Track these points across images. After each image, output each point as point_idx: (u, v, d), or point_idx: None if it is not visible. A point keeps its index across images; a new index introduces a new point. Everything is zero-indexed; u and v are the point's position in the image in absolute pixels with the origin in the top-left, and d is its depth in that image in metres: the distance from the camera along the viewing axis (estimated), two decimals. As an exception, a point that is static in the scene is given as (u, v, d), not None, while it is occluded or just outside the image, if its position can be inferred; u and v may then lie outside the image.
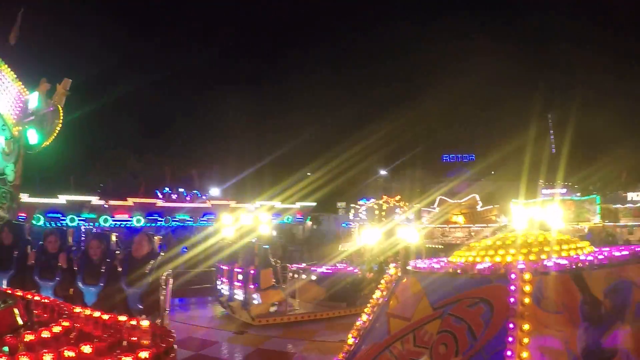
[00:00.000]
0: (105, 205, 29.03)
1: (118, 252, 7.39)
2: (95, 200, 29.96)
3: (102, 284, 6.72)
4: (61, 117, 11.58)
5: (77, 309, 3.81)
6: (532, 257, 3.34)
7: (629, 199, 34.65)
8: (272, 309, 11.71)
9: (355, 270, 13.72)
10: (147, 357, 2.85)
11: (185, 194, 32.78)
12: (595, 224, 32.67)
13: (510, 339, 2.82)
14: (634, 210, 33.81)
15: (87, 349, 2.77)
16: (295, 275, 12.81)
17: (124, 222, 29.73)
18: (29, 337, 2.84)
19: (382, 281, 4.14)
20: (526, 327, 2.82)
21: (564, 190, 37.34)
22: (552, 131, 53.02)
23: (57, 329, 3.05)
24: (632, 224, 33.15)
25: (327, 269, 14.22)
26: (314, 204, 43.86)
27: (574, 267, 3.22)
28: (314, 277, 13.55)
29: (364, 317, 4.05)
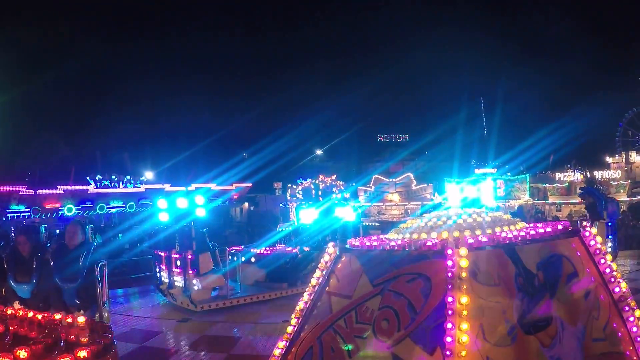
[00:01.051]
0: (34, 195, 27.85)
1: (49, 244, 7.12)
2: (23, 190, 28.70)
3: (34, 281, 6.45)
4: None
5: (10, 311, 3.65)
6: (467, 232, 3.43)
7: (556, 178, 36.42)
8: (213, 293, 11.62)
9: (294, 250, 13.78)
10: (86, 356, 2.77)
11: (116, 179, 31.86)
12: (525, 201, 34.17)
13: (449, 311, 2.91)
14: (561, 189, 35.62)
15: (22, 353, 2.66)
16: (234, 258, 12.74)
17: (55, 212, 28.65)
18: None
19: (321, 260, 4.16)
20: (464, 300, 2.91)
21: (495, 170, 38.72)
22: (484, 114, 54.61)
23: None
24: (560, 202, 34.92)
25: (266, 250, 14.23)
26: (250, 184, 43.67)
27: (507, 242, 3.35)
28: (252, 259, 13.52)
29: (305, 297, 4.07)
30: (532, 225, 3.78)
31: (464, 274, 2.99)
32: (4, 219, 23.71)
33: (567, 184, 35.67)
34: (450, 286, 2.99)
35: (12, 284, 6.45)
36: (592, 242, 3.62)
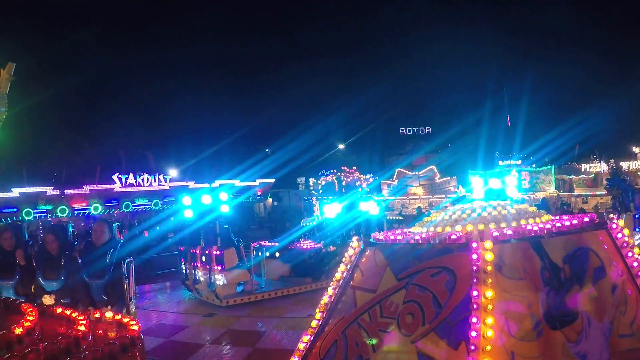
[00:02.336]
0: (61, 195, 28.25)
1: (77, 242, 7.22)
2: (50, 190, 29.10)
3: (63, 278, 6.56)
4: (6, 105, 11.10)
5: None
6: (492, 225, 3.39)
7: (582, 170, 35.80)
8: (238, 288, 11.69)
9: (318, 245, 13.80)
10: (114, 349, 2.81)
11: (141, 178, 32.14)
12: (550, 193, 33.69)
13: (474, 306, 2.88)
14: (587, 181, 34.99)
15: (52, 346, 2.70)
16: (259, 253, 12.80)
17: (82, 211, 29.04)
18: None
19: (346, 255, 4.16)
20: (489, 294, 2.88)
21: (520, 162, 38.23)
22: (507, 105, 53.95)
23: (19, 331, 2.97)
24: (586, 194, 34.30)
25: (290, 245, 14.26)
26: (274, 180, 43.72)
27: (533, 235, 3.31)
28: (277, 254, 13.57)
29: (330, 291, 4.08)
30: (557, 217, 3.73)
31: (489, 268, 2.96)
32: (32, 218, 24.10)
33: (593, 175, 35.00)
34: (475, 280, 2.97)
35: (41, 281, 6.56)
36: (620, 235, 3.55)
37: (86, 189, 28.17)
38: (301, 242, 14.70)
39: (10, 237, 6.80)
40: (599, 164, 35.28)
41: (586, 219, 3.70)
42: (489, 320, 2.83)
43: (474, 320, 2.85)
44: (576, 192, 35.01)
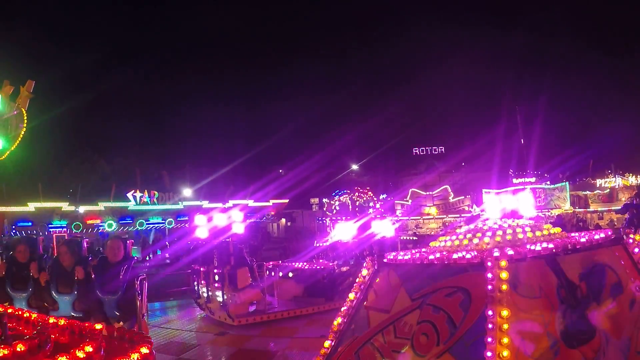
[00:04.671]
0: (76, 211, 28.57)
1: (91, 258, 7.27)
2: (65, 206, 29.46)
3: (76, 292, 6.59)
4: (25, 121, 11.25)
5: (52, 319, 3.73)
6: (507, 244, 3.37)
7: (597, 185, 35.37)
8: (251, 307, 11.66)
9: (331, 265, 13.75)
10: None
11: (155, 197, 32.46)
12: (565, 210, 33.30)
13: (490, 325, 2.84)
14: (602, 196, 34.52)
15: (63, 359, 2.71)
16: (272, 273, 12.78)
17: (96, 227, 29.33)
18: (2, 352, 2.76)
19: (360, 275, 4.13)
20: (505, 313, 2.84)
21: (534, 179, 37.90)
22: (520, 122, 53.80)
23: (32, 342, 2.98)
24: (602, 209, 33.83)
25: (303, 265, 14.23)
26: (287, 200, 43.79)
27: (548, 252, 3.27)
28: (290, 274, 13.53)
29: (343, 312, 4.05)
30: (573, 234, 3.69)
31: (504, 287, 2.93)
32: (46, 233, 24.35)
33: (608, 190, 34.52)
34: (490, 299, 2.93)
35: (55, 295, 6.60)
36: (637, 250, 3.51)
37: (101, 205, 28.58)
38: (314, 262, 14.65)
39: (25, 249, 6.87)
40: (614, 179, 34.80)
41: (602, 235, 3.66)
42: (505, 340, 2.78)
43: (490, 340, 2.81)
44: (592, 208, 34.51)
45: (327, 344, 3.93)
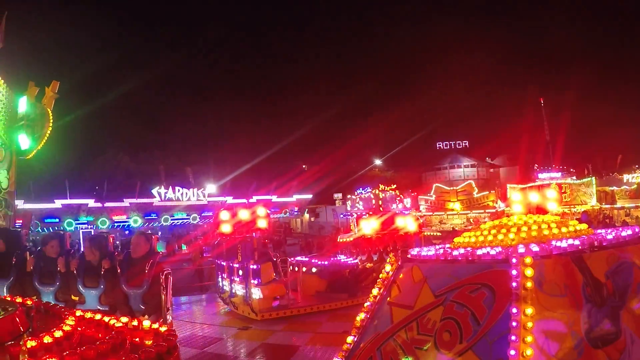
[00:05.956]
0: (102, 207, 29.02)
1: (117, 253, 7.37)
2: (92, 203, 29.95)
3: (102, 286, 6.71)
4: (51, 121, 11.46)
5: (78, 312, 3.80)
6: (532, 240, 3.32)
7: (624, 180, 34.69)
8: (274, 303, 11.69)
9: (355, 261, 13.73)
10: (150, 357, 2.83)
11: (179, 192, 32.81)
12: (592, 206, 32.74)
13: (514, 323, 2.82)
14: (630, 192, 33.81)
15: (90, 352, 2.75)
16: (295, 268, 12.80)
17: (122, 223, 29.77)
18: (30, 344, 2.82)
19: (383, 271, 4.12)
20: (529, 311, 2.81)
21: (559, 174, 37.34)
22: (544, 115, 53.01)
23: (58, 334, 3.03)
24: (629, 206, 33.16)
25: (327, 261, 14.22)
26: (311, 196, 43.85)
27: (574, 249, 3.22)
28: (313, 270, 13.54)
29: (366, 308, 4.04)
30: (599, 231, 3.63)
31: (529, 284, 2.89)
32: (73, 229, 24.81)
33: (635, 186, 33.79)
34: (514, 297, 2.90)
35: (81, 289, 6.73)
36: (665, 248, 3.44)
37: (126, 202, 28.98)
38: (338, 257, 14.64)
39: (57, 245, 7.04)
40: (640, 174, 34.08)
41: (629, 232, 3.59)
42: (529, 338, 2.76)
43: (513, 338, 2.78)
44: (619, 204, 33.84)
45: (349, 339, 3.93)
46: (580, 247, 3.25)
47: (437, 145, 61.34)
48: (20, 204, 21.54)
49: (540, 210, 4.07)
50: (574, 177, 36.37)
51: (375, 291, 4.06)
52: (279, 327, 10.39)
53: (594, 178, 34.75)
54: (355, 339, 3.91)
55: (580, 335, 2.92)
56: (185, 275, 17.08)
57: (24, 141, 11.25)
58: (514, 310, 2.85)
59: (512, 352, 2.75)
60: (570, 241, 3.30)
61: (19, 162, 11.54)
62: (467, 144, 60.56)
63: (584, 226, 3.81)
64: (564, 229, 3.57)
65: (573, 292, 3.01)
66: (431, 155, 59.59)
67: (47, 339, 2.92)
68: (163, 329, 3.41)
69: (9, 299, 4.16)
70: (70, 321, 3.37)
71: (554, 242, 3.26)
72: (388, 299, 3.96)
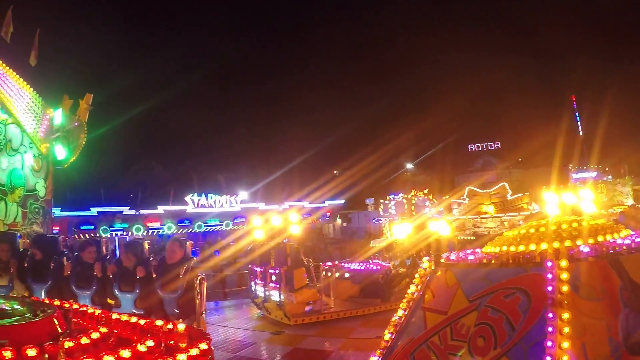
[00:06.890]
0: (136, 214, 29.58)
1: (151, 259, 7.50)
2: (126, 210, 30.57)
3: (137, 291, 6.85)
4: (85, 132, 11.81)
5: (115, 315, 3.88)
6: (567, 243, 3.26)
7: (662, 178, 33.68)
8: (307, 308, 11.71)
9: (388, 266, 13.67)
10: (185, 359, 2.88)
11: (212, 199, 33.20)
12: (629, 206, 31.88)
13: (550, 328, 2.76)
14: (669, 191, 32.79)
15: (126, 353, 2.81)
16: (328, 274, 12.80)
17: (156, 230, 30.27)
18: (68, 344, 2.89)
19: (417, 275, 4.09)
20: (566, 316, 2.75)
21: (595, 174, 36.50)
22: (577, 113, 51.87)
23: (95, 335, 3.11)
24: (668, 205, 32.14)
25: (359, 266, 14.18)
26: (343, 201, 43.81)
27: (611, 252, 3.15)
28: (346, 275, 13.52)
29: (400, 313, 4.02)
30: (637, 232, 3.54)
31: (565, 288, 2.84)
32: (109, 235, 25.35)
33: (674, 184, 32.72)
34: (550, 301, 2.85)
35: (117, 293, 6.91)
36: None
37: (160, 209, 29.50)
38: (371, 262, 14.58)
39: (94, 251, 7.26)
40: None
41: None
42: (565, 344, 2.70)
43: (549, 344, 2.73)
44: (657, 204, 32.80)
45: (383, 344, 3.91)
46: (617, 250, 3.17)
47: (469, 148, 60.62)
48: (57, 212, 22.07)
49: (576, 211, 3.99)
50: (610, 177, 35.46)
51: (408, 296, 4.04)
52: (312, 332, 10.40)
53: (630, 177, 33.81)
54: (389, 345, 3.89)
55: (618, 341, 2.85)
56: (219, 281, 17.24)
57: (60, 152, 11.60)
58: (550, 315, 2.80)
59: (548, 359, 2.70)
60: (608, 243, 3.23)
61: (55, 171, 11.89)
62: (499, 145, 59.72)
63: (621, 227, 3.72)
64: (600, 231, 3.49)
65: (610, 296, 2.94)
66: (463, 158, 58.95)
67: (84, 340, 3.00)
68: (197, 332, 3.45)
69: (47, 302, 4.27)
70: (107, 323, 3.45)
71: (590, 245, 3.19)
72: (422, 304, 3.93)
